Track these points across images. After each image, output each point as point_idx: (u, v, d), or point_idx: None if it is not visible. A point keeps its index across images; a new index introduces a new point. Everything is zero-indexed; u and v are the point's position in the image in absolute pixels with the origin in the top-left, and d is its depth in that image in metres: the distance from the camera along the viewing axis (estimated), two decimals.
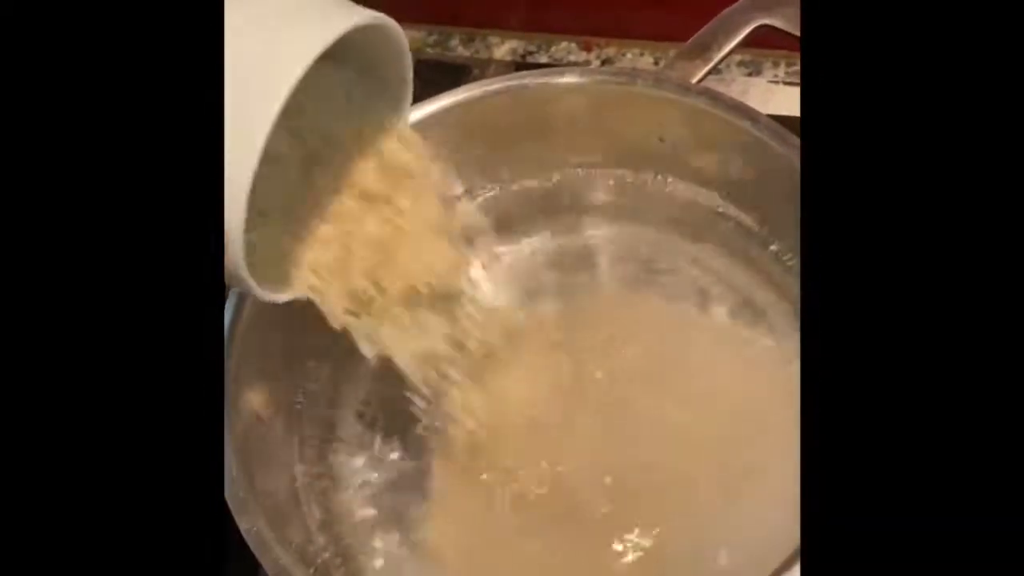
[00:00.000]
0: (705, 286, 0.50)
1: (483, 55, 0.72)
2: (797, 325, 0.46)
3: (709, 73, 0.48)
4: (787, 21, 0.47)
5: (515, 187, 0.53)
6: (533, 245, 0.53)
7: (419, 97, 0.49)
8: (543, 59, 0.71)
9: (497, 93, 0.49)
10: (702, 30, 0.49)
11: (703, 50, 0.48)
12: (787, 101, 0.66)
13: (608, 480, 0.44)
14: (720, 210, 0.50)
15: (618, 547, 0.43)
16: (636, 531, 0.43)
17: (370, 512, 0.46)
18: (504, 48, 0.73)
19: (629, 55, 0.71)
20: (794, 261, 0.48)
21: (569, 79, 0.48)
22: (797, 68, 0.68)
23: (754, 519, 0.42)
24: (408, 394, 0.44)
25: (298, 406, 0.47)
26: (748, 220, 0.49)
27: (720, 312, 0.49)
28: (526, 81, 0.49)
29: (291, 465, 0.45)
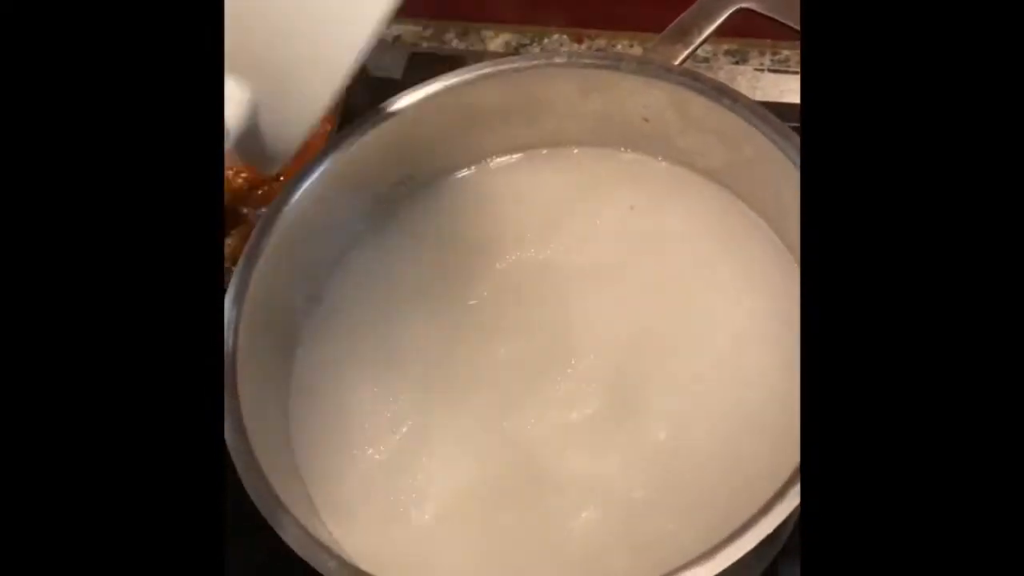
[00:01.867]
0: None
1: (477, 47, 0.74)
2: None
3: (690, 56, 0.50)
4: (765, 5, 0.49)
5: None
6: None
7: (414, 84, 0.51)
8: (536, 51, 0.73)
9: (487, 77, 0.51)
10: (683, 15, 0.50)
11: (683, 34, 0.50)
12: (773, 88, 0.68)
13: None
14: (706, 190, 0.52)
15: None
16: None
17: None
18: (498, 41, 0.75)
19: (619, 46, 0.73)
20: (778, 236, 0.49)
21: (556, 62, 0.50)
22: (782, 56, 0.70)
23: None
24: None
25: None
26: (731, 197, 0.51)
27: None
28: (516, 65, 0.51)
29: None
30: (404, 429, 0.47)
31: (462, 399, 0.47)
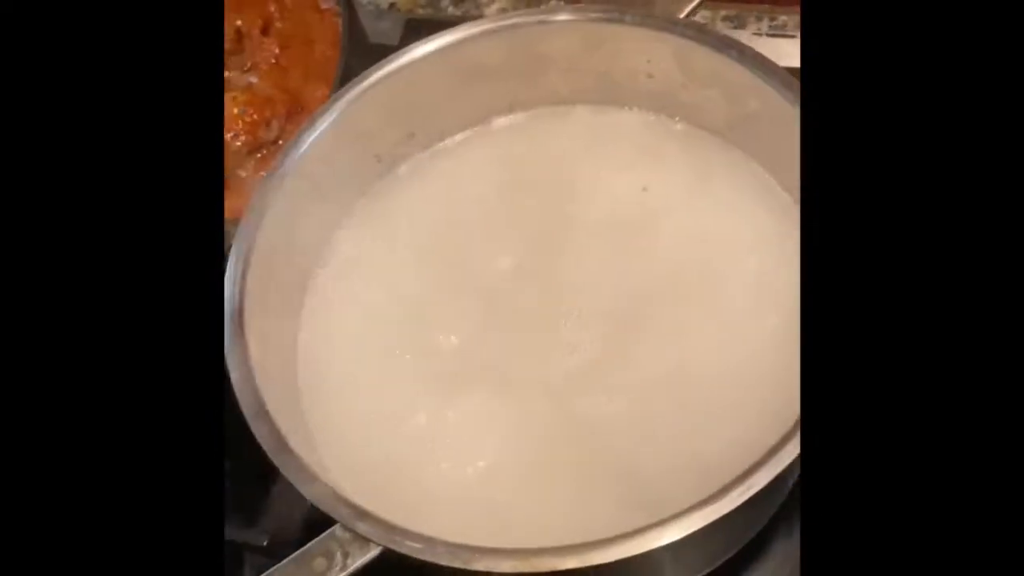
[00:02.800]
0: None
1: (474, 13, 0.74)
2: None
3: (691, 13, 0.50)
4: None
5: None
6: None
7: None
8: None
9: (488, 34, 0.51)
10: None
11: None
12: (770, 53, 0.68)
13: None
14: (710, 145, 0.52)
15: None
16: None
17: None
18: (493, 7, 0.74)
19: None
20: (783, 189, 0.49)
21: (559, 18, 0.50)
22: (780, 22, 0.70)
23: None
24: None
25: None
26: (735, 152, 0.51)
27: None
28: (516, 21, 0.50)
29: None
30: (411, 384, 0.47)
31: (471, 351, 0.47)
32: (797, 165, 0.45)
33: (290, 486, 0.54)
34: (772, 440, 0.37)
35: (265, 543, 0.53)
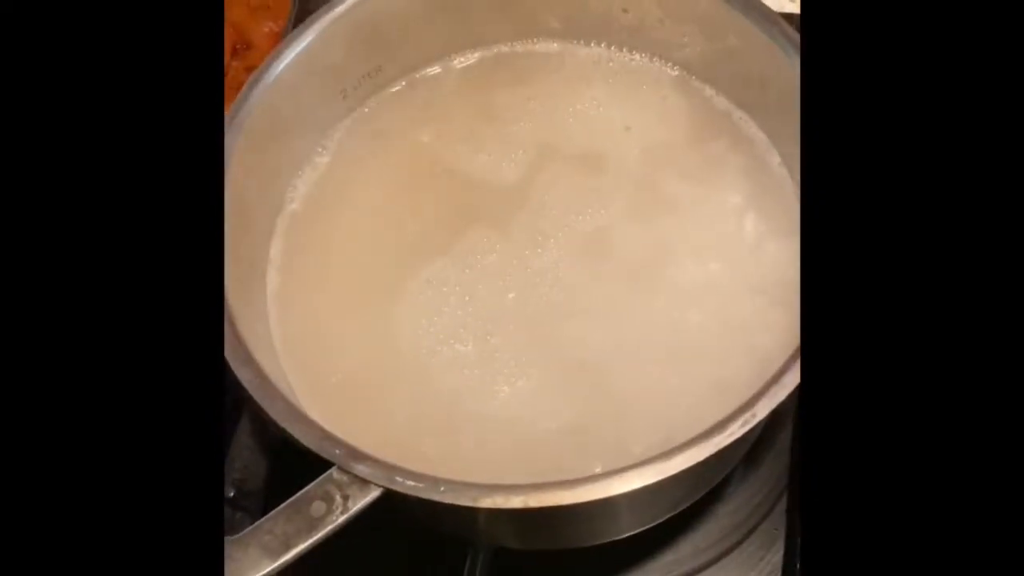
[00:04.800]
0: None
1: None
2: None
3: None
4: None
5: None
6: None
7: None
8: None
9: None
10: None
11: None
12: None
13: None
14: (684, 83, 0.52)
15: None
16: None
17: None
18: None
19: None
20: (758, 127, 0.50)
21: None
22: None
23: None
24: None
25: None
26: (708, 90, 0.51)
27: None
28: None
29: None
30: (380, 324, 0.46)
31: (448, 284, 0.47)
32: (775, 101, 0.47)
33: (250, 433, 0.53)
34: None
35: (231, 494, 0.51)
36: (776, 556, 0.51)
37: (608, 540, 0.47)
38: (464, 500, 0.35)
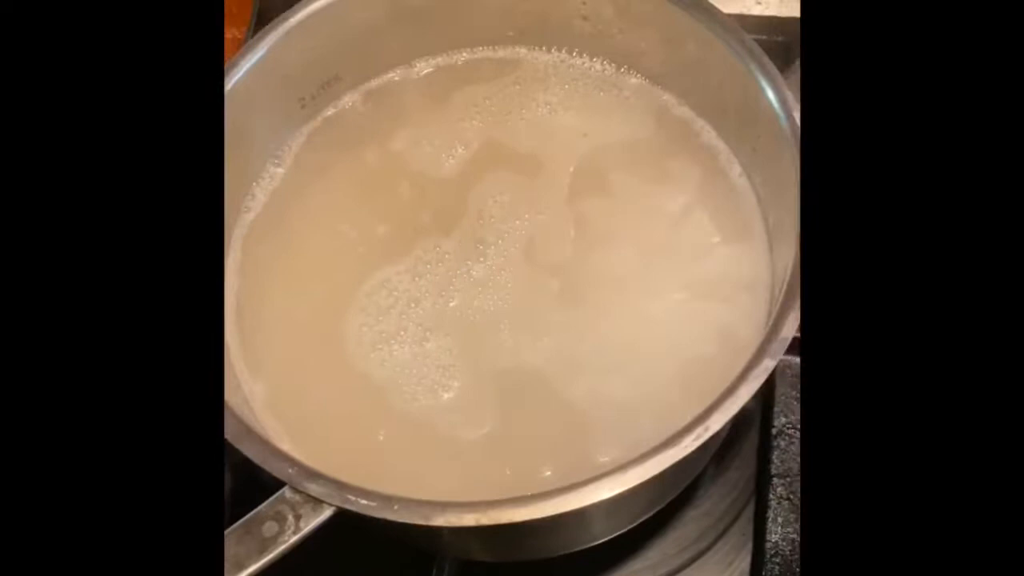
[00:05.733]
0: None
1: None
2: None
3: None
4: None
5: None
6: None
7: None
8: None
9: None
10: None
11: None
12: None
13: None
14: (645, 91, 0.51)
15: None
16: None
17: None
18: None
19: None
20: (716, 132, 0.49)
21: None
22: None
23: None
24: None
25: None
26: (669, 97, 0.51)
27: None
28: None
29: None
30: (331, 326, 0.46)
31: (409, 290, 0.47)
32: (732, 107, 0.47)
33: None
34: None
35: None
36: (744, 562, 0.51)
37: (574, 550, 0.47)
38: (416, 519, 0.35)
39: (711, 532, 0.52)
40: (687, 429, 0.35)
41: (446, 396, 0.44)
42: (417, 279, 0.47)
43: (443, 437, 0.43)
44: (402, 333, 0.46)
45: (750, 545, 0.52)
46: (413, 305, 0.46)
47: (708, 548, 0.52)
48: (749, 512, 0.53)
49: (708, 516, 0.53)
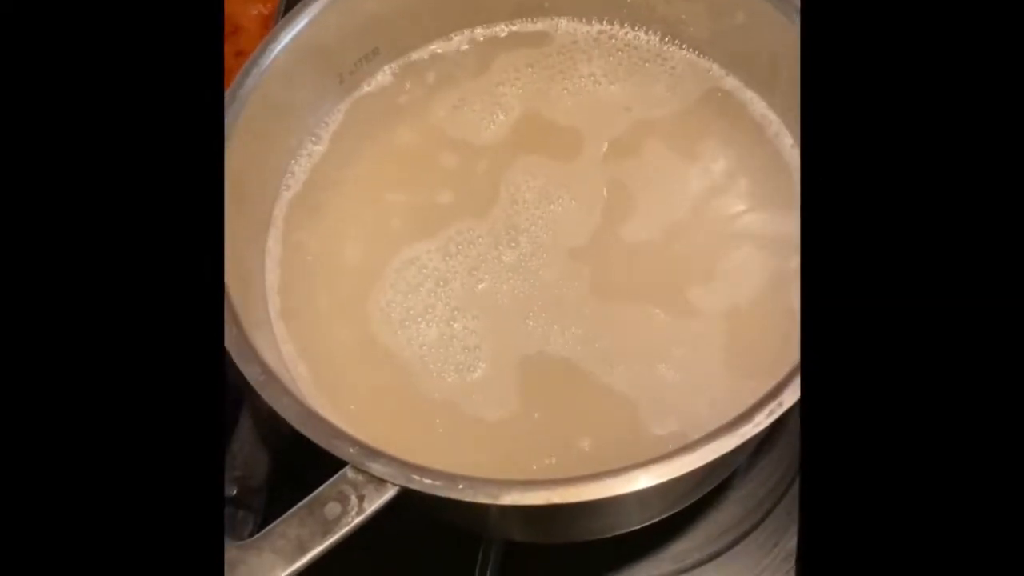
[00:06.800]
0: None
1: None
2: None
3: None
4: None
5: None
6: None
7: None
8: None
9: None
10: None
11: None
12: None
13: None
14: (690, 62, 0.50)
15: None
16: None
17: None
18: None
19: None
20: (768, 106, 0.48)
21: None
22: None
23: None
24: None
25: None
26: (715, 68, 0.50)
27: None
28: None
29: None
30: (383, 303, 0.45)
31: (450, 267, 0.46)
32: (786, 79, 0.46)
33: (250, 428, 0.52)
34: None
35: (234, 493, 0.50)
36: (790, 542, 0.51)
37: (621, 532, 0.46)
38: (483, 497, 0.34)
39: (755, 513, 0.52)
40: (759, 405, 0.35)
41: (471, 377, 0.43)
42: (448, 259, 0.46)
43: (469, 417, 0.42)
44: (430, 311, 0.45)
45: (794, 527, 0.51)
46: (442, 284, 0.45)
47: (752, 529, 0.51)
48: (794, 492, 0.52)
49: (751, 498, 0.52)
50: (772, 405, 0.34)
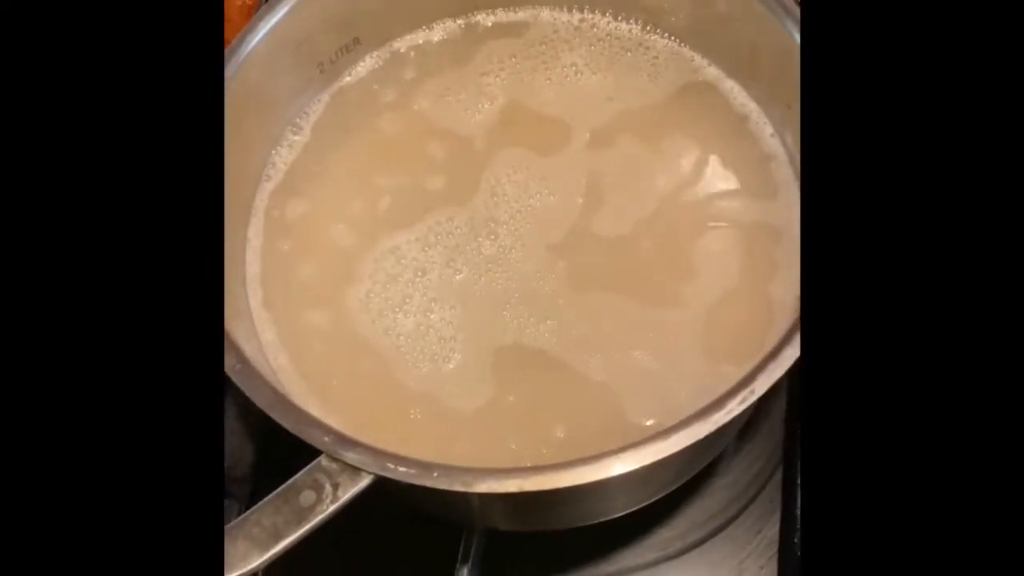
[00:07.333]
0: None
1: None
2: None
3: None
4: None
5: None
6: None
7: None
8: None
9: None
10: None
11: None
12: None
13: None
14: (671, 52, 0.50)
15: None
16: None
17: None
18: None
19: None
20: (747, 94, 0.48)
21: None
22: None
23: None
24: None
25: None
26: (696, 57, 0.50)
27: None
28: None
29: None
30: (362, 293, 0.45)
31: (431, 259, 0.46)
32: (766, 67, 0.46)
33: (235, 416, 0.52)
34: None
35: None
36: (772, 530, 0.51)
37: (603, 519, 0.46)
38: (457, 485, 0.34)
39: (738, 501, 0.52)
40: (731, 393, 0.35)
41: (447, 368, 0.43)
42: (427, 249, 0.46)
43: (444, 407, 0.43)
44: (408, 302, 0.45)
45: (778, 513, 0.51)
46: (421, 275, 0.45)
47: (736, 516, 0.52)
48: (777, 479, 0.52)
49: (735, 485, 0.52)
50: (744, 393, 0.35)
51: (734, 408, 0.34)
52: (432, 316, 0.44)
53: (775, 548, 0.50)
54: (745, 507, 0.52)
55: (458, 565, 0.46)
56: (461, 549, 0.47)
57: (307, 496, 0.34)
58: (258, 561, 0.33)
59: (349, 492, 0.34)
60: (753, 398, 0.35)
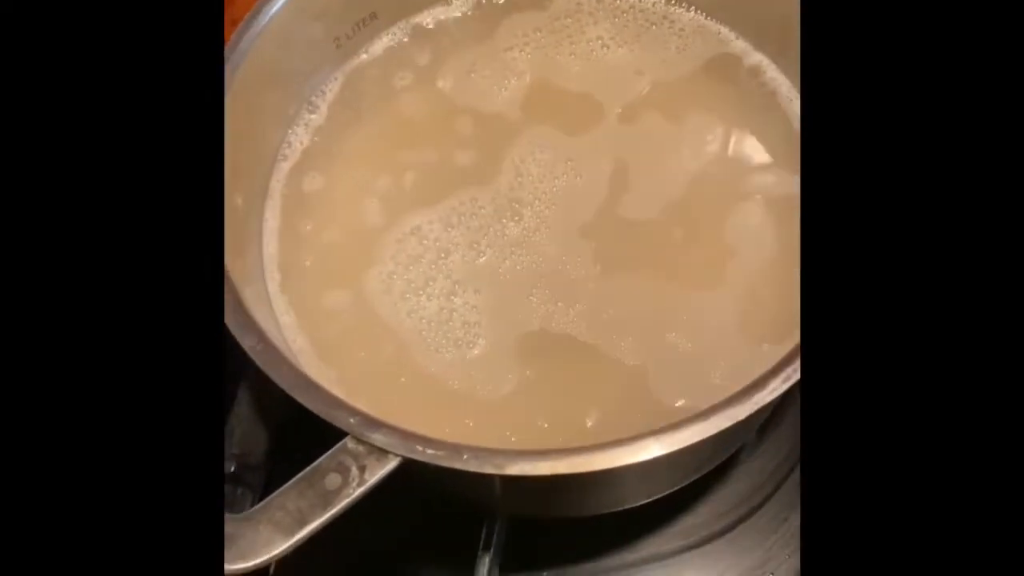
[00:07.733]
0: None
1: None
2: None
3: None
4: None
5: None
6: None
7: None
8: None
9: None
10: None
11: None
12: None
13: None
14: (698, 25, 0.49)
15: None
16: None
17: None
18: None
19: None
20: (778, 68, 0.47)
21: None
22: None
23: None
24: None
25: None
26: (724, 32, 0.49)
27: None
28: None
29: None
30: (384, 274, 0.44)
31: (453, 237, 0.45)
32: (797, 45, 0.44)
33: (249, 403, 0.51)
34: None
35: (232, 470, 0.49)
36: (799, 518, 0.50)
37: (628, 507, 0.45)
38: (488, 468, 0.33)
39: (763, 489, 0.51)
40: (774, 371, 0.33)
41: (471, 353, 0.42)
42: (449, 230, 0.45)
43: (468, 394, 0.41)
44: (430, 284, 0.44)
45: None
46: (443, 256, 0.44)
47: (760, 505, 0.50)
48: None
49: (760, 473, 0.51)
50: (788, 371, 0.33)
51: (777, 387, 0.33)
52: (456, 300, 0.43)
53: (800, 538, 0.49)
54: (770, 495, 0.50)
55: (479, 553, 0.45)
56: (483, 537, 0.46)
57: (332, 479, 0.33)
58: (283, 546, 0.32)
59: (376, 475, 0.33)
60: (797, 376, 0.33)
